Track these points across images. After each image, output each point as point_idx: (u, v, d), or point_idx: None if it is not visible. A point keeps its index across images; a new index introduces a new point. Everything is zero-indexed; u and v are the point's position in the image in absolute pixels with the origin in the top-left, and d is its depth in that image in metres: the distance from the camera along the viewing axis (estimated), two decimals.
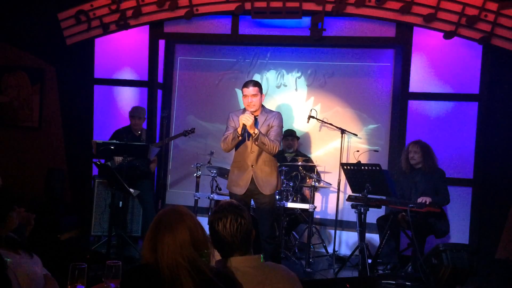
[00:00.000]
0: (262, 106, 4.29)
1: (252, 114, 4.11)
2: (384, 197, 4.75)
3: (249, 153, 4.18)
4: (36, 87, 6.62)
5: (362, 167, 4.58)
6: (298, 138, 5.98)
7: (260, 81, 6.11)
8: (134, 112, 5.63)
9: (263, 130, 4.15)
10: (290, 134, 5.87)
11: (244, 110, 4.28)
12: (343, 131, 5.56)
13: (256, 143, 4.07)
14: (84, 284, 2.09)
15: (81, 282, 2.09)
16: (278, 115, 4.27)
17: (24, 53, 6.62)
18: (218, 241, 1.98)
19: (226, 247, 1.98)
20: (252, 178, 4.16)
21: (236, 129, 4.11)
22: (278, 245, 4.99)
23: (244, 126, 3.99)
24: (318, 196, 6.07)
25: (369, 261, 4.58)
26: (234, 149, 4.30)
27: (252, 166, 4.17)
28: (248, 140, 4.16)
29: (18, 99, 6.67)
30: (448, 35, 5.19)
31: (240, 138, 4.07)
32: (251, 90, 4.15)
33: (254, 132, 4.01)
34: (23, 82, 6.65)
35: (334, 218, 5.51)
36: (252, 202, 4.41)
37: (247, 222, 2.01)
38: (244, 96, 4.19)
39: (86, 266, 2.12)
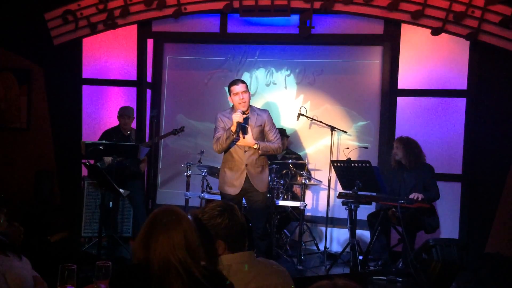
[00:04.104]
0: (250, 105, 4.33)
1: (244, 112, 4.17)
2: (374, 194, 4.78)
3: (243, 152, 4.19)
4: (23, 88, 6.55)
5: (352, 164, 4.60)
6: (288, 136, 5.98)
7: (249, 80, 6.19)
8: (123, 112, 5.60)
9: (256, 130, 4.20)
10: (280, 133, 5.86)
11: (232, 109, 4.30)
12: (332, 129, 5.57)
13: (260, 152, 4.17)
14: (74, 285, 2.07)
15: (71, 283, 2.07)
16: (268, 115, 4.35)
17: (10, 53, 6.54)
18: (228, 235, 2.00)
19: (240, 239, 2.02)
20: (246, 177, 4.18)
21: (229, 128, 4.11)
22: (271, 241, 5.00)
23: (238, 123, 4.03)
24: (308, 194, 6.08)
25: (360, 257, 4.60)
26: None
27: (246, 165, 4.18)
28: (243, 136, 4.17)
29: (5, 100, 6.59)
30: (435, 31, 5.22)
31: (234, 136, 4.08)
32: (241, 87, 4.20)
33: (254, 146, 4.14)
34: (10, 83, 6.57)
35: (325, 215, 5.52)
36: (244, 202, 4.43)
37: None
38: (235, 94, 4.19)
39: (76, 267, 2.11)
